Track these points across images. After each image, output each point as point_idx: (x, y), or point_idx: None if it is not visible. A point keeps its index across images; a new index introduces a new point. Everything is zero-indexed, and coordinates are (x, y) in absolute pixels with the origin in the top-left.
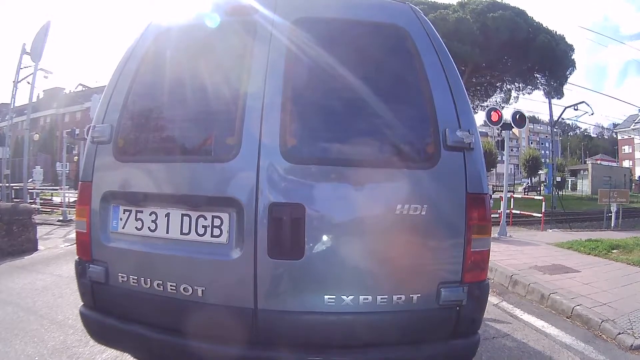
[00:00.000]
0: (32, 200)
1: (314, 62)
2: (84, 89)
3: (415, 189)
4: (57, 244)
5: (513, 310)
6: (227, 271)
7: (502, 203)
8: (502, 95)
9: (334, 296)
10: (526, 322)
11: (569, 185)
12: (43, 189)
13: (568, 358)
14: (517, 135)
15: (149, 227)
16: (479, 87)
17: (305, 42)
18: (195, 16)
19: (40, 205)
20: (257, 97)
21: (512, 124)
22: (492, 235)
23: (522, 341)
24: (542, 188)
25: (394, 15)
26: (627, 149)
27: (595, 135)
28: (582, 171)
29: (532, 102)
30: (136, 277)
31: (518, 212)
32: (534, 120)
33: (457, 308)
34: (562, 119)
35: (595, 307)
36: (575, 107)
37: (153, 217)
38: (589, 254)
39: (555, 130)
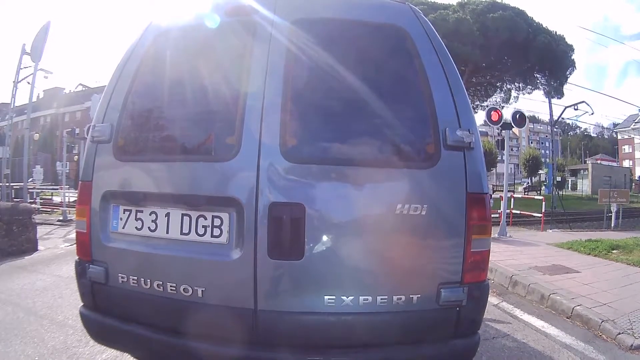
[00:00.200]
0: (32, 200)
1: (314, 62)
2: (84, 88)
3: (416, 188)
4: (57, 244)
5: (513, 311)
6: (227, 272)
7: (502, 203)
8: (502, 95)
9: (334, 297)
10: (526, 323)
11: (569, 185)
12: (43, 189)
13: (568, 358)
14: (517, 134)
15: (149, 227)
16: (479, 87)
17: (305, 43)
18: (195, 16)
19: (40, 205)
20: (257, 97)
21: (512, 124)
22: (492, 236)
23: (522, 341)
24: (542, 188)
25: (394, 15)
26: (627, 148)
27: (595, 135)
28: (582, 171)
29: (532, 102)
30: (136, 278)
31: (518, 212)
32: (534, 119)
33: (457, 308)
34: (562, 118)
35: (595, 307)
36: (576, 107)
37: (153, 216)
38: (589, 254)
39: (555, 129)
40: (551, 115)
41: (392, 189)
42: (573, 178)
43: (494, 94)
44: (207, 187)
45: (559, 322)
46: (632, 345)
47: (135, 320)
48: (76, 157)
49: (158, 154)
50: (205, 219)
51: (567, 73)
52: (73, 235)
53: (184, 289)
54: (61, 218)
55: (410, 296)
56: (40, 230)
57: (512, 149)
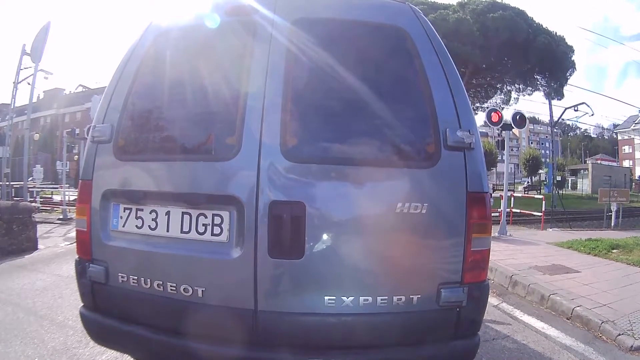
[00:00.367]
0: (32, 199)
1: (314, 62)
2: (84, 89)
3: (416, 187)
4: (57, 242)
5: (513, 312)
6: (228, 271)
7: (502, 202)
8: (503, 96)
9: (334, 297)
10: (526, 324)
11: (569, 185)
12: (43, 188)
13: (568, 359)
14: (518, 135)
15: (149, 226)
16: (479, 89)
17: (305, 43)
18: (195, 17)
19: (40, 203)
20: (257, 97)
21: (513, 125)
22: (492, 234)
23: (522, 343)
24: (542, 187)
25: (394, 15)
26: (627, 149)
27: (595, 136)
28: (582, 170)
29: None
30: (136, 277)
31: (518, 211)
32: (534, 120)
33: (458, 309)
34: (562, 119)
35: (595, 308)
36: (576, 108)
37: (153, 215)
38: (589, 253)
39: (555, 130)
40: (551, 116)
41: (392, 188)
42: (573, 178)
43: (494, 95)
44: (208, 185)
45: (559, 323)
46: (632, 346)
47: (136, 321)
48: (76, 156)
49: (159, 153)
50: (206, 217)
51: (567, 74)
52: (73, 234)
53: (184, 288)
54: (61, 217)
55: (411, 297)
56: (40, 229)
57: (512, 149)
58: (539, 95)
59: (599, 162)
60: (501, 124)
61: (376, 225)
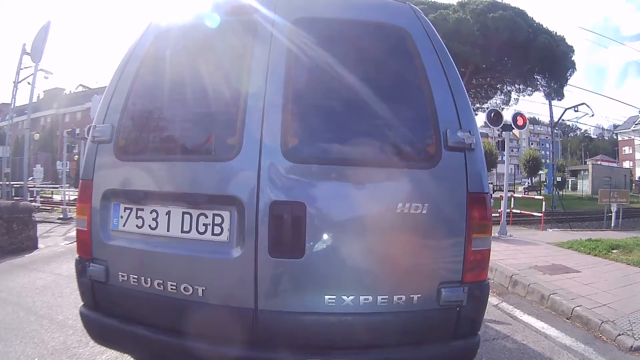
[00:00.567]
0: (32, 198)
1: (315, 62)
2: (84, 89)
3: (416, 188)
4: (57, 242)
5: (513, 311)
6: (228, 270)
7: (502, 202)
8: (503, 97)
9: (334, 296)
10: (526, 324)
11: (570, 185)
12: (43, 187)
13: (568, 359)
14: (518, 136)
15: (149, 225)
16: (479, 89)
17: (305, 42)
18: (195, 16)
19: (41, 203)
20: (258, 97)
21: (513, 125)
22: (492, 235)
23: (522, 342)
24: (542, 188)
25: (395, 15)
26: (627, 149)
27: (595, 137)
28: (582, 171)
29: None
30: (136, 277)
31: (518, 211)
32: (534, 121)
33: (458, 309)
34: (563, 120)
35: (595, 308)
36: (576, 109)
37: (154, 214)
38: (589, 254)
39: (555, 131)
40: (551, 116)
41: (392, 188)
42: (573, 178)
43: (494, 95)
44: (208, 185)
45: (559, 323)
46: (632, 346)
47: (136, 320)
48: (76, 156)
49: (159, 154)
50: (206, 217)
51: (568, 74)
52: (73, 233)
53: (184, 287)
54: (61, 216)
55: (411, 296)
56: (41, 228)
57: (512, 150)
58: (539, 96)
59: (599, 163)
60: (501, 124)
61: (377, 225)
